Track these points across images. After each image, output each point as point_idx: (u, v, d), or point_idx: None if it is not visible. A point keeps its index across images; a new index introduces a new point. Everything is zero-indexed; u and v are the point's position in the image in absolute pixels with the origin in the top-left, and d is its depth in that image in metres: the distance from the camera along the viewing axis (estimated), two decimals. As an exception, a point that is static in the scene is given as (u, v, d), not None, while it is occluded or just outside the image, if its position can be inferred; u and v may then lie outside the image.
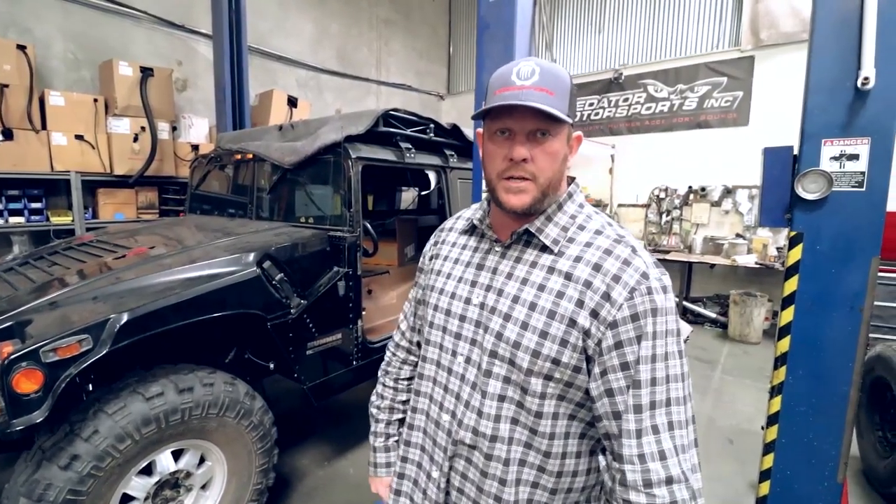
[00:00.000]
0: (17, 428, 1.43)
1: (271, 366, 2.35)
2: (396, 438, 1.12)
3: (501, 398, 0.83)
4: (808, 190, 1.49)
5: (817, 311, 1.53)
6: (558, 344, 0.78)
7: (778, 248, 5.22)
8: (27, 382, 1.43)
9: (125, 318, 1.62)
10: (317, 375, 2.43)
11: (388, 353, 1.17)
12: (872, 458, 2.61)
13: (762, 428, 1.71)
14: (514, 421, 0.83)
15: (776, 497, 1.66)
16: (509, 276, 0.86)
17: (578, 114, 6.78)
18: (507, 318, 0.83)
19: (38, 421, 1.45)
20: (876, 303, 3.00)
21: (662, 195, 6.36)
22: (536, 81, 0.77)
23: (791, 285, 1.57)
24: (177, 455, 1.88)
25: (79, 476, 1.53)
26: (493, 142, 0.83)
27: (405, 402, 1.12)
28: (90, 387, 1.81)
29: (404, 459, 1.01)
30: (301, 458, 2.85)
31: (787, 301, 1.59)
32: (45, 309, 1.71)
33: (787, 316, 1.58)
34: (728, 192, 5.85)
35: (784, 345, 1.60)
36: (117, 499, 1.70)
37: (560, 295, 0.79)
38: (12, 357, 1.42)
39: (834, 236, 1.49)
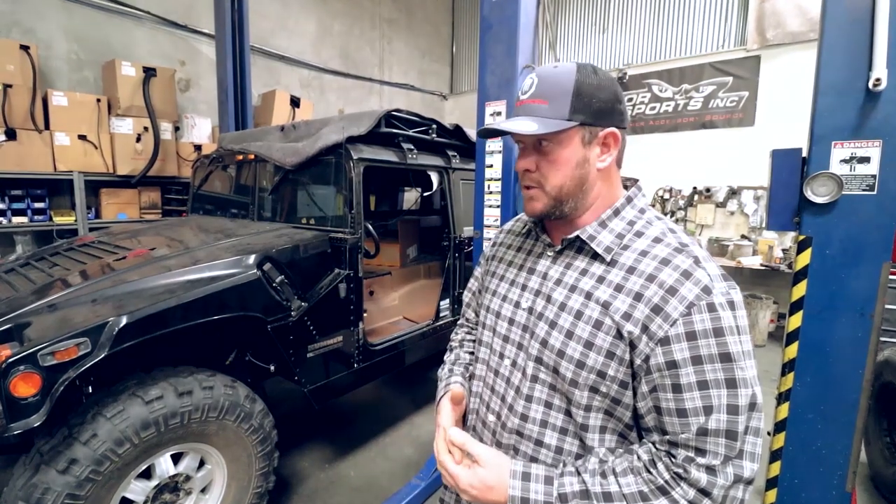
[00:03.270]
0: (15, 432, 1.42)
1: (272, 368, 2.34)
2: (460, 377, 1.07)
3: (548, 405, 0.82)
4: (818, 193, 1.46)
5: (826, 317, 1.50)
6: (604, 356, 0.75)
7: (784, 250, 5.17)
8: (25, 386, 1.42)
9: (124, 320, 1.61)
10: (318, 378, 2.42)
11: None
12: (880, 465, 2.58)
13: (768, 434, 1.68)
14: (563, 431, 0.81)
15: (783, 505, 1.63)
16: (558, 282, 0.84)
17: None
18: (552, 325, 0.81)
19: (35, 425, 1.43)
20: (887, 306, 2.95)
21: (667, 196, 6.31)
22: (533, 93, 0.79)
23: (799, 290, 1.54)
24: (176, 458, 1.87)
25: (77, 480, 1.52)
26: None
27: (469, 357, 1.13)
28: (89, 390, 1.80)
29: None
30: (302, 460, 2.83)
31: (795, 306, 1.56)
32: (44, 311, 1.69)
33: (795, 321, 1.55)
34: (733, 192, 5.80)
35: (792, 351, 1.57)
36: (116, 503, 1.68)
37: (607, 305, 0.76)
38: (10, 360, 1.41)
39: (844, 240, 1.46)
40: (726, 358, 0.69)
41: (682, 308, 0.70)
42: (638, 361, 0.73)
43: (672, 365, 0.70)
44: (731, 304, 0.71)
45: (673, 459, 0.70)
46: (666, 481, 0.69)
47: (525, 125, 0.76)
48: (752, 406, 0.70)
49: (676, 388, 0.70)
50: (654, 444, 0.74)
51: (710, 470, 0.68)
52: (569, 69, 0.78)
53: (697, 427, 0.69)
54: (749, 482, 0.69)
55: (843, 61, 1.41)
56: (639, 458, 0.73)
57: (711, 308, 0.69)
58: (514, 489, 0.74)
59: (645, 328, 0.72)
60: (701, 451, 0.68)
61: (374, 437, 3.11)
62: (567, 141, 0.78)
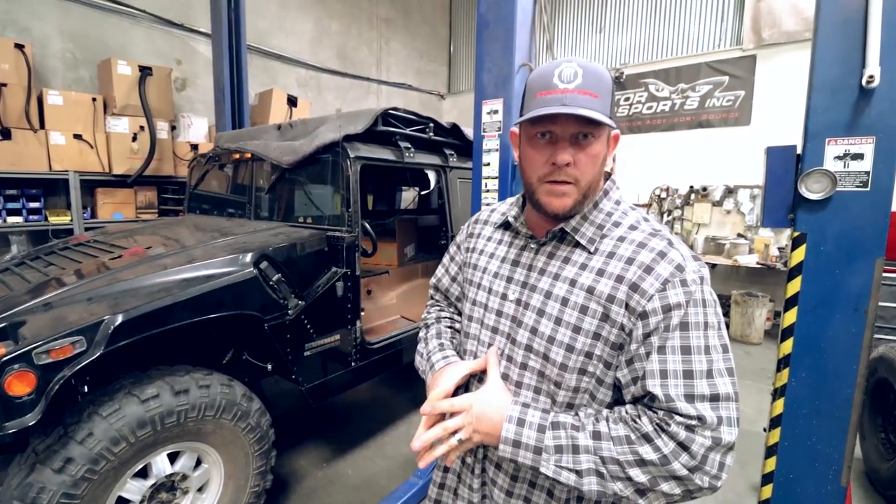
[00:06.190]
0: (10, 431, 1.41)
1: (269, 367, 2.33)
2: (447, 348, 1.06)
3: (537, 390, 0.86)
4: (812, 190, 1.47)
5: (821, 313, 1.51)
6: (591, 338, 0.79)
7: (780, 249, 5.20)
8: (20, 385, 1.41)
9: (119, 319, 1.60)
10: (315, 377, 2.41)
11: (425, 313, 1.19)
12: (875, 460, 2.59)
13: (764, 430, 1.69)
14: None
15: (779, 500, 1.64)
16: (542, 271, 0.87)
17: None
18: (540, 313, 0.85)
19: (30, 424, 1.43)
20: (879, 303, 2.98)
21: (664, 195, 6.33)
22: (580, 84, 0.76)
23: (794, 286, 1.55)
24: (173, 457, 1.86)
25: (73, 479, 1.52)
26: (532, 145, 0.82)
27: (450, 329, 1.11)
28: (85, 388, 1.80)
29: None
30: (299, 459, 2.83)
31: (790, 302, 1.56)
32: (39, 310, 1.69)
33: (790, 318, 1.56)
34: (729, 191, 5.83)
35: (787, 347, 1.58)
36: (112, 502, 1.68)
37: (591, 290, 0.80)
38: (5, 359, 1.41)
39: (838, 237, 1.46)
40: (699, 327, 0.74)
41: (658, 284, 0.75)
42: (624, 335, 0.78)
43: (648, 335, 0.75)
44: (702, 280, 0.77)
45: (656, 413, 0.75)
46: (649, 431, 0.73)
47: (597, 115, 0.74)
48: (728, 371, 0.75)
49: (651, 354, 0.75)
50: (637, 404, 0.79)
51: (689, 428, 0.72)
52: (602, 68, 0.81)
53: (675, 389, 0.73)
54: (730, 447, 0.74)
55: (837, 59, 1.41)
56: (626, 412, 0.78)
57: (684, 283, 0.75)
58: (512, 411, 0.80)
59: (627, 306, 0.77)
60: (678, 411, 0.73)
61: (372, 436, 3.11)
62: (603, 137, 0.80)
